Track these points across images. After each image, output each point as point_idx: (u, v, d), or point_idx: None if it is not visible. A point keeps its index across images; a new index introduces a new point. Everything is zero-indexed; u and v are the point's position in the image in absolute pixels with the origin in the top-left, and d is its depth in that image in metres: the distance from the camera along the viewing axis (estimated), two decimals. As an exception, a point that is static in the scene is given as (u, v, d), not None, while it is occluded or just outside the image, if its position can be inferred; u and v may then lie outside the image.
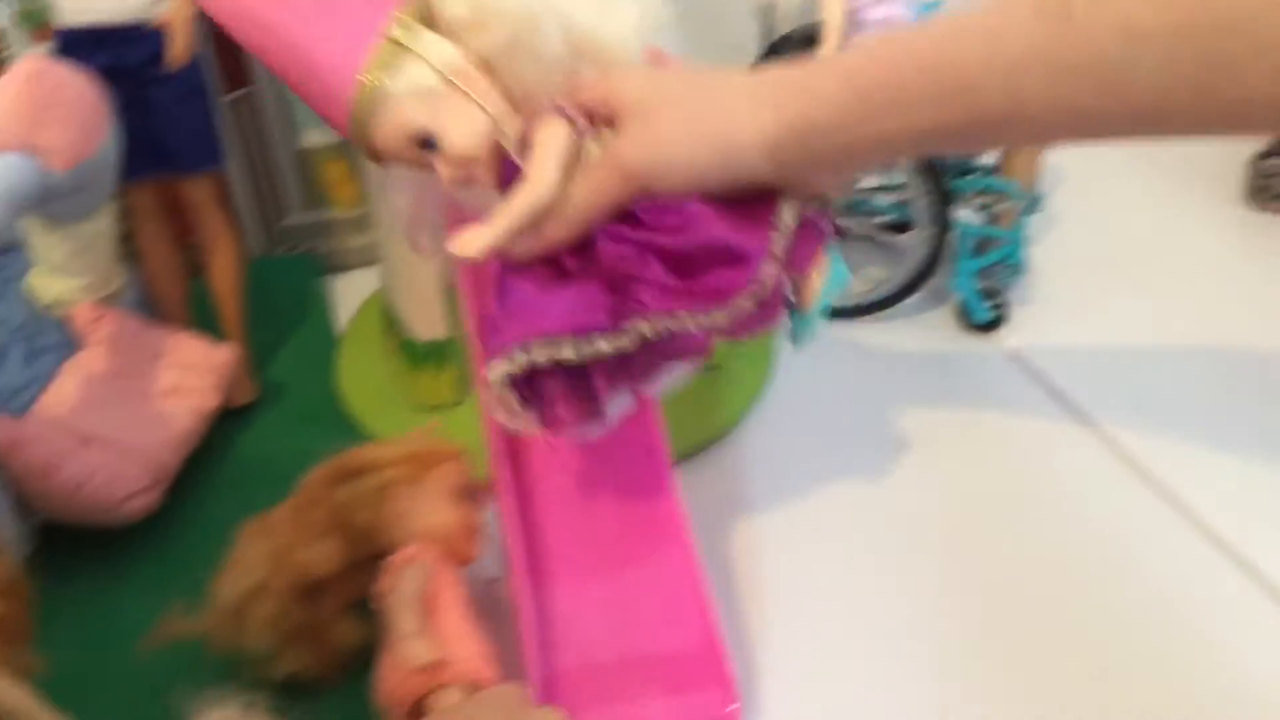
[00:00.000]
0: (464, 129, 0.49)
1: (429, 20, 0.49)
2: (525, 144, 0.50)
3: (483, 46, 0.49)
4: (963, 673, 0.64)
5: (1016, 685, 0.63)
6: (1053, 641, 0.65)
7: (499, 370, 0.49)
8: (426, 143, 0.50)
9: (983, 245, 0.93)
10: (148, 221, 0.85)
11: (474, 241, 0.48)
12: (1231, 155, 1.07)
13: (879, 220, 0.99)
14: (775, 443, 0.81)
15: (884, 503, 0.75)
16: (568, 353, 0.48)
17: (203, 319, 0.87)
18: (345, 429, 0.83)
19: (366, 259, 0.99)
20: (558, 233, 0.49)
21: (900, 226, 0.97)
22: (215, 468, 0.80)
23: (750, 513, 0.75)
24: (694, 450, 0.79)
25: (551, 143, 0.49)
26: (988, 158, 0.94)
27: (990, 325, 0.91)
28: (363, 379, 0.86)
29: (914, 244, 0.91)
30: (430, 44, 0.48)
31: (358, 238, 1.02)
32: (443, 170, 0.50)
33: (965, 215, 0.93)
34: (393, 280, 0.82)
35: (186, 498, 0.77)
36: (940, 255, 0.90)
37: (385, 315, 0.86)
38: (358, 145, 0.53)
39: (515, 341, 0.49)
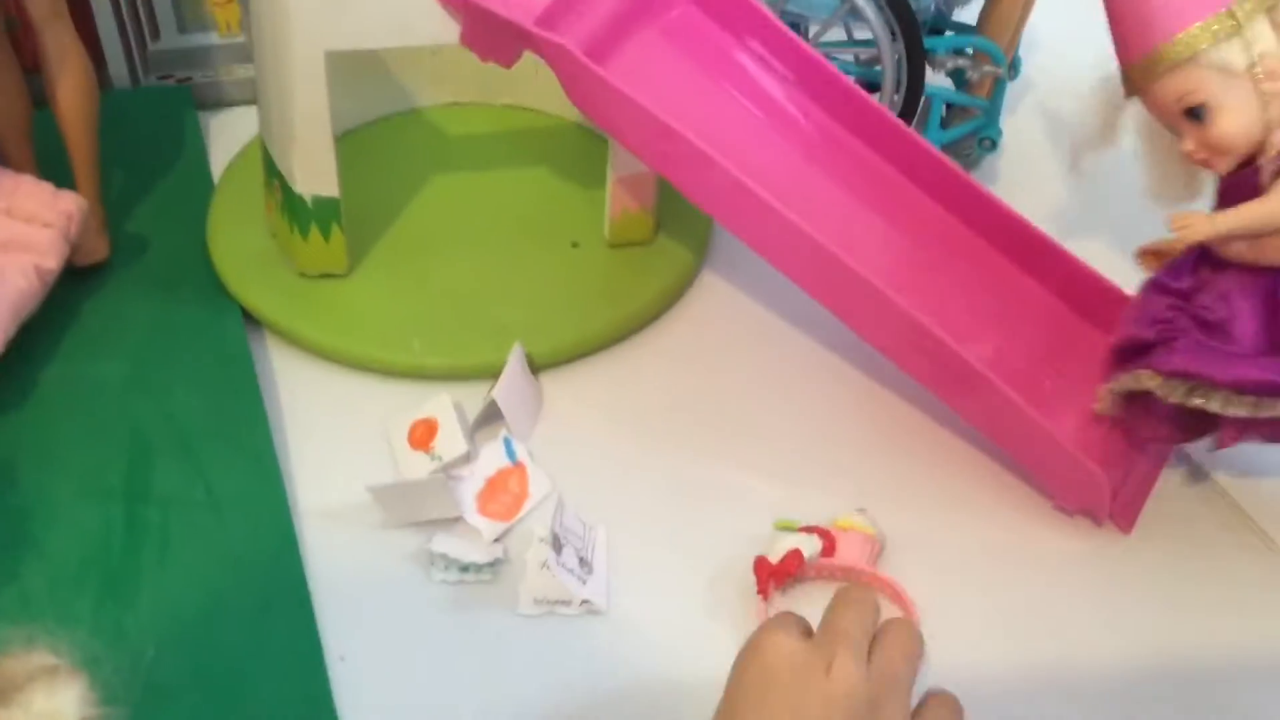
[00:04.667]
0: (1239, 120, 0.53)
1: (1270, 15, 0.53)
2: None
3: None
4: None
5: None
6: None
7: (1146, 385, 0.55)
8: (1193, 112, 0.54)
9: (954, 115, 0.83)
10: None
11: (1200, 226, 0.54)
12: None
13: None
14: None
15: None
16: (1240, 409, 0.53)
17: (52, 160, 0.74)
18: (214, 296, 0.72)
19: (251, 95, 0.86)
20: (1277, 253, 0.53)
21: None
22: (54, 337, 0.68)
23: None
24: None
25: None
26: (968, 14, 0.83)
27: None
28: (238, 239, 0.75)
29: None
30: (1259, 34, 0.52)
31: (242, 68, 0.89)
32: (1189, 144, 0.55)
33: (936, 80, 0.82)
34: (275, 125, 0.70)
35: (18, 373, 0.65)
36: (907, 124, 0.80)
37: (267, 164, 0.73)
38: (1129, 78, 0.56)
39: (1183, 373, 0.53)
